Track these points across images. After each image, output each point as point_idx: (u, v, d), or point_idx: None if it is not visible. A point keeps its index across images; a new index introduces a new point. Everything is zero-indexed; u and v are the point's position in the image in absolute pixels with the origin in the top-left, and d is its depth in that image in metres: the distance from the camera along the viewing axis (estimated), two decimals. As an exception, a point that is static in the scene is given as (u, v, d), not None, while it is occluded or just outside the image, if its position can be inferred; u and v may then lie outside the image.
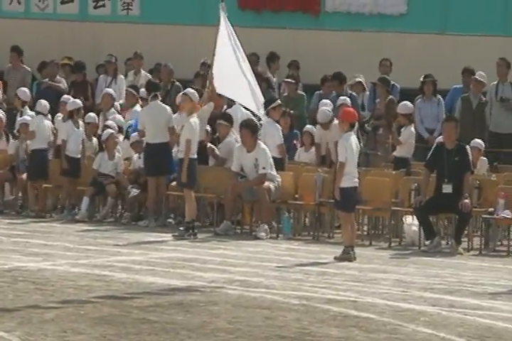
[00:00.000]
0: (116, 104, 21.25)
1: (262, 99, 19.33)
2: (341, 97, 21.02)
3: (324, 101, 20.44)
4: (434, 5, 22.80)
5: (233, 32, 19.17)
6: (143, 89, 20.98)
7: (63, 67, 22.66)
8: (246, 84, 19.08)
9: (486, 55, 21.08)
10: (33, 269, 14.98)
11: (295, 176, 19.22)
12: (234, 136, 19.36)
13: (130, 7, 24.30)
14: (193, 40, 23.01)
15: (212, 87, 19.17)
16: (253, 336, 11.58)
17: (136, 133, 19.86)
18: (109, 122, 20.30)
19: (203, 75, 22.06)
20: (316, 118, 20.72)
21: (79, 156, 20.01)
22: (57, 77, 22.53)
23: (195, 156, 18.70)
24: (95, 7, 24.42)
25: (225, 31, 19.06)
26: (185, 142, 18.44)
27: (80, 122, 20.26)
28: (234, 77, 19.12)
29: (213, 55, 19.09)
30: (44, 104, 20.46)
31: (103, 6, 24.36)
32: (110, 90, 21.46)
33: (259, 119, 19.55)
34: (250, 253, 17.11)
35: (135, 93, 20.67)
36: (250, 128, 18.71)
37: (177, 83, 21.48)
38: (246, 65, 19.38)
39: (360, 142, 18.67)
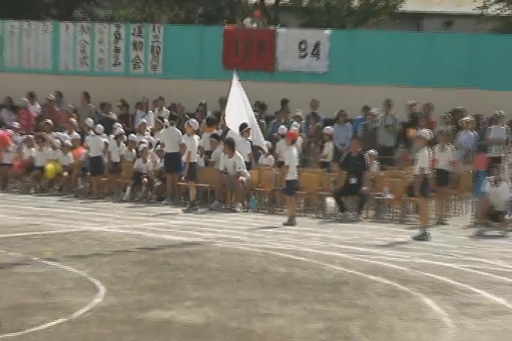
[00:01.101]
0: (148, 128, 21.26)
1: (259, 132, 19.63)
2: (294, 122, 20.86)
3: (282, 127, 20.37)
4: (345, 66, 22.76)
5: (242, 89, 19.12)
6: (166, 120, 20.84)
7: (119, 106, 22.68)
8: (246, 122, 19.21)
9: (376, 97, 21.04)
10: (95, 231, 15.01)
11: (258, 173, 19.24)
12: (221, 148, 19.37)
13: (156, 68, 24.25)
14: (194, 88, 22.92)
15: (223, 121, 19.23)
16: (232, 272, 11.77)
17: (159, 146, 19.98)
18: (144, 140, 20.32)
19: (200, 111, 22.06)
20: (276, 134, 20.75)
21: (118, 161, 20.06)
22: (110, 112, 22.55)
23: (195, 160, 18.72)
24: (134, 68, 24.37)
25: (237, 89, 18.98)
26: (187, 153, 18.50)
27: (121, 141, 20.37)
28: (238, 117, 19.18)
29: (226, 102, 19.08)
30: (99, 127, 20.26)
31: (139, 67, 24.31)
32: (144, 120, 21.48)
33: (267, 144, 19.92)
34: (231, 220, 17.06)
35: (160, 122, 20.63)
36: (228, 144, 18.70)
37: (187, 115, 21.42)
38: (249, 109, 19.41)
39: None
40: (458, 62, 21.96)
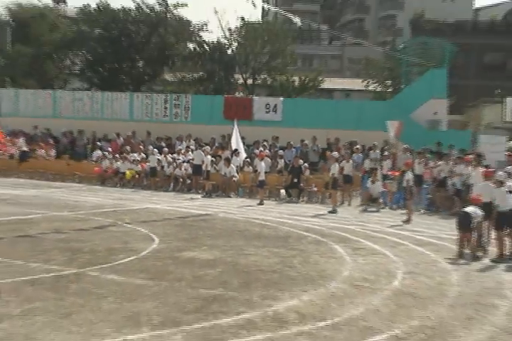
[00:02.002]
0: (182, 151, 21.01)
1: (244, 154, 19.35)
2: (261, 148, 20.27)
3: (256, 150, 20.28)
4: (291, 117, 22.63)
5: (238, 131, 18.77)
6: (192, 146, 20.64)
7: (166, 139, 22.49)
8: (238, 148, 19.01)
9: (307, 134, 20.77)
10: (152, 207, 14.81)
11: (243, 176, 19.06)
12: (222, 162, 19.22)
13: (186, 117, 24.04)
14: (208, 129, 22.72)
15: (229, 146, 19.06)
16: (228, 230, 11.65)
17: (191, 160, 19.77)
18: (180, 158, 20.12)
19: (211, 142, 21.64)
20: (253, 154, 20.52)
21: (170, 172, 19.77)
22: (162, 142, 22.30)
23: (209, 169, 18.58)
24: (175, 118, 24.12)
25: (235, 130, 18.74)
26: (205, 164, 18.45)
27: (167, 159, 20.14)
28: (236, 145, 18.98)
29: (226, 137, 18.62)
30: (155, 151, 19.88)
31: (177, 117, 24.15)
32: (180, 147, 21.26)
33: (246, 157, 19.37)
34: (228, 202, 16.91)
35: (189, 148, 20.51)
36: (226, 160, 18.61)
37: (203, 144, 21.10)
38: (240, 142, 19.17)
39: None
40: (352, 116, 22.06)
